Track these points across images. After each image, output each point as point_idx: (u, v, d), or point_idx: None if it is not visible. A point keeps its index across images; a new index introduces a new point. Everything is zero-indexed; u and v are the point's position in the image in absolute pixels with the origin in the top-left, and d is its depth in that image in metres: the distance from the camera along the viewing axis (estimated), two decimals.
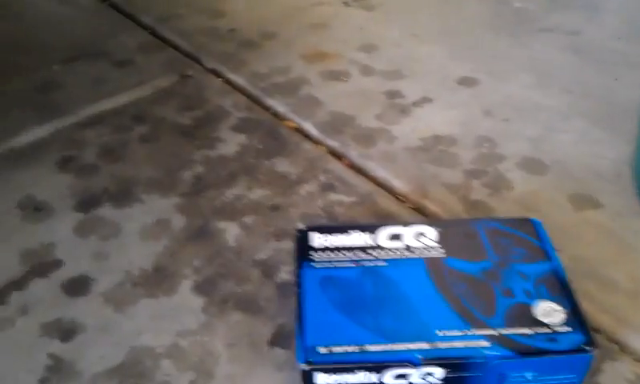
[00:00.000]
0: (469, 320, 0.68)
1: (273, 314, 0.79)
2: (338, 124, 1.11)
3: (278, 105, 1.16)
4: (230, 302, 0.80)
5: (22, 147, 1.05)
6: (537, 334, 0.67)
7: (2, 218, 0.92)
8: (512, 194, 0.96)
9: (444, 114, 1.14)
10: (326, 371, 0.65)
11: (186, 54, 1.31)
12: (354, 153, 1.05)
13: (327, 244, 0.78)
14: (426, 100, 1.17)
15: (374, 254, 0.76)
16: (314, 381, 0.65)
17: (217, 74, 1.25)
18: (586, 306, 0.72)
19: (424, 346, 0.66)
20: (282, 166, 1.02)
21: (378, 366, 0.65)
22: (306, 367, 0.64)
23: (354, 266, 0.75)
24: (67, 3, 1.48)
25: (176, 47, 1.33)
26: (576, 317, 0.69)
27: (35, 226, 0.91)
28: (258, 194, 0.96)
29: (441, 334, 0.67)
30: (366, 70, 1.26)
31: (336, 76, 1.24)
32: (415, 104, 1.16)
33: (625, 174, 1.00)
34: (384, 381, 0.66)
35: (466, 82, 1.22)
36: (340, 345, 0.66)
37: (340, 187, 0.97)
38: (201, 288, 0.82)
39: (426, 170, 1.01)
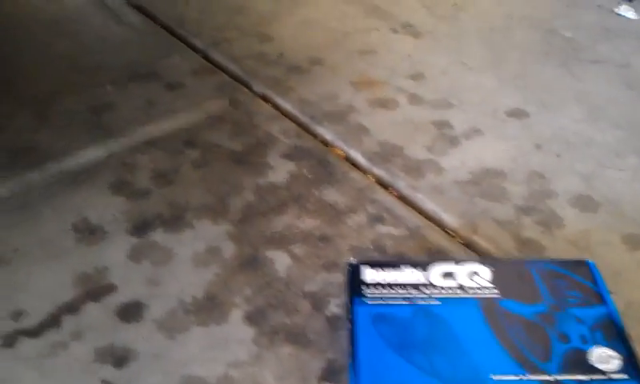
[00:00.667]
0: (524, 365, 0.67)
1: (323, 348, 0.79)
2: (387, 153, 1.11)
3: (326, 132, 1.17)
4: (281, 334, 0.81)
5: (76, 169, 1.07)
6: (592, 380, 0.66)
7: (57, 240, 0.94)
8: (564, 232, 0.95)
9: (494, 146, 1.13)
10: None
11: (236, 78, 1.32)
12: (402, 183, 1.05)
13: (379, 279, 0.78)
14: (475, 131, 1.16)
15: (427, 291, 0.76)
16: None
17: (266, 100, 1.26)
18: None
19: None
20: (331, 195, 1.02)
21: None
22: None
23: (406, 303, 0.75)
24: (123, 24, 1.51)
25: (226, 71, 1.34)
26: (632, 363, 0.68)
27: (90, 248, 0.92)
28: (307, 223, 0.97)
29: (496, 378, 0.66)
30: (414, 99, 1.26)
31: (384, 104, 1.24)
32: (464, 135, 1.15)
33: None
34: None
35: (517, 113, 1.21)
36: None
37: (388, 219, 0.97)
38: (251, 318, 0.83)
39: (476, 204, 1.00)
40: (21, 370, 0.76)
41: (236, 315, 0.83)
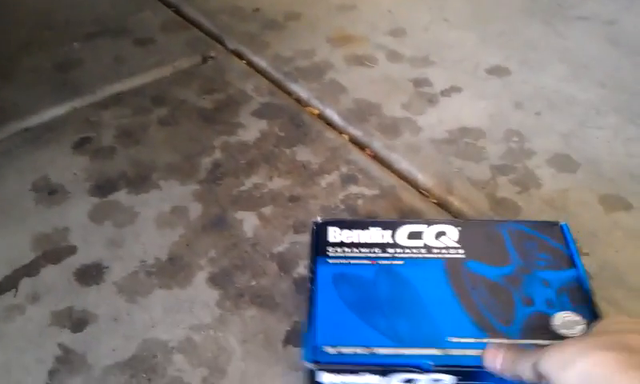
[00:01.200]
0: (484, 327, 0.65)
1: (289, 311, 0.77)
2: (363, 112, 1.08)
3: (301, 90, 1.13)
4: (246, 296, 0.78)
5: (38, 127, 1.03)
6: None
7: (15, 200, 0.91)
8: (540, 192, 0.93)
9: (473, 104, 1.10)
10: (332, 371, 0.63)
11: (208, 34, 1.28)
12: (377, 143, 1.02)
13: (344, 239, 0.75)
14: (454, 89, 1.13)
15: (392, 252, 0.73)
16: (319, 380, 0.63)
17: (239, 56, 1.22)
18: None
19: (435, 352, 0.63)
20: (303, 154, 0.99)
21: (385, 369, 0.63)
22: (312, 366, 0.62)
23: (369, 263, 0.72)
24: None
25: (199, 26, 1.30)
26: None
27: (49, 209, 0.89)
28: (277, 183, 0.94)
29: (454, 340, 0.64)
30: (394, 56, 1.22)
31: (362, 61, 1.21)
32: (443, 93, 1.12)
33: None
34: None
35: (498, 71, 1.18)
36: (349, 346, 0.64)
37: (362, 179, 0.95)
38: (216, 280, 0.80)
39: (451, 163, 0.97)
40: None
41: (200, 277, 0.81)
